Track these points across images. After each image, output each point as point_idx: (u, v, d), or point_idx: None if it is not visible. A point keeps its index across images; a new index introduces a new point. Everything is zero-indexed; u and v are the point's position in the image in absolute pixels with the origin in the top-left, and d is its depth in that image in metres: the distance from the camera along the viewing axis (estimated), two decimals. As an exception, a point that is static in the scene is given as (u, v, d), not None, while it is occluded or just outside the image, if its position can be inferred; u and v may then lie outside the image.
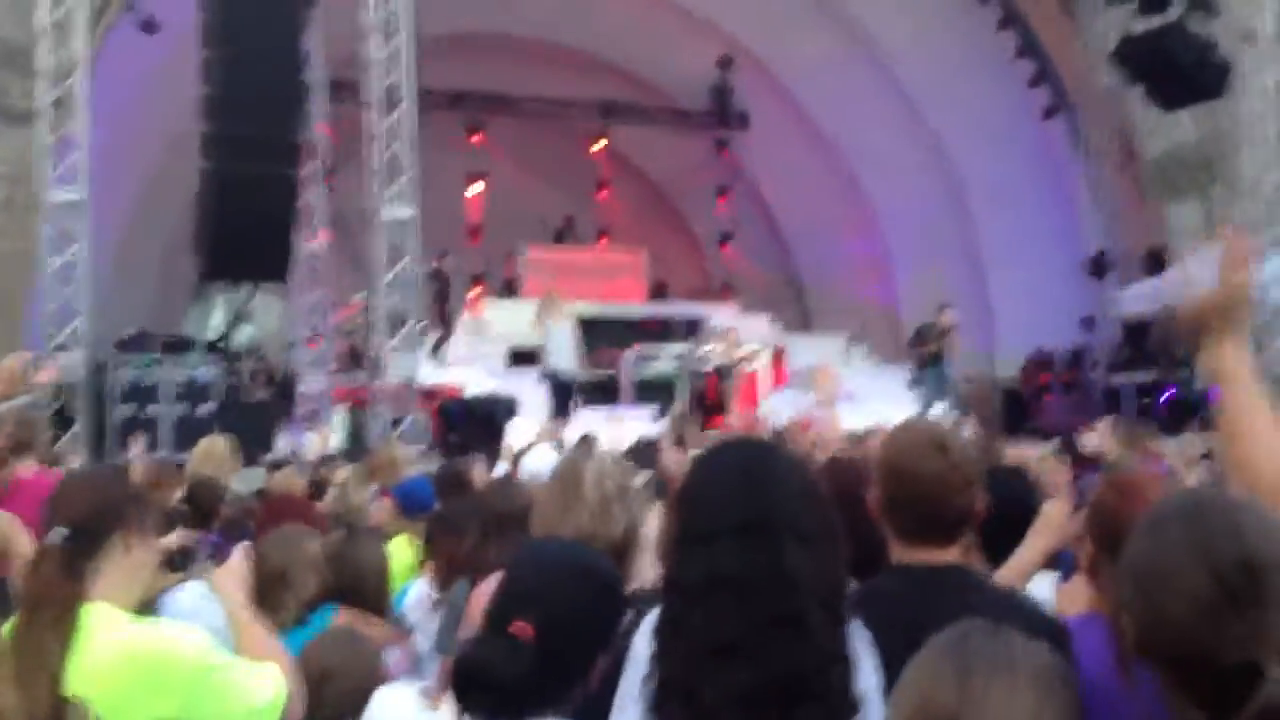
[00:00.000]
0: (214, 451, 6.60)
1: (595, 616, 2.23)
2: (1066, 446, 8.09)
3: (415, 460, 9.23)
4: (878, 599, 2.49)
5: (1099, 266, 19.41)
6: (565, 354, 14.22)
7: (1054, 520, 3.23)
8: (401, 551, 5.04)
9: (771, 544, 2.22)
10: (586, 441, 8.34)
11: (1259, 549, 1.60)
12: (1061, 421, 16.60)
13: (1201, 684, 1.57)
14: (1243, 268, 2.24)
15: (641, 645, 2.31)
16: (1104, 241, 19.47)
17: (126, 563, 2.62)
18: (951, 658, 1.63)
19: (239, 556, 2.94)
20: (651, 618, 2.33)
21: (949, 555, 2.66)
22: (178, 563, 4.10)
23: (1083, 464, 5.93)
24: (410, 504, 5.81)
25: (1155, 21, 17.19)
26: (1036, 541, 3.21)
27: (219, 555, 4.49)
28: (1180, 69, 17.13)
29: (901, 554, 2.68)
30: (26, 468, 5.94)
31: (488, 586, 2.92)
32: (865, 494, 2.98)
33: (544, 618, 2.11)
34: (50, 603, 2.49)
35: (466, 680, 2.11)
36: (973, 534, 2.80)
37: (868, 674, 2.24)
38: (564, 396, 14.07)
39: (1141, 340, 18.92)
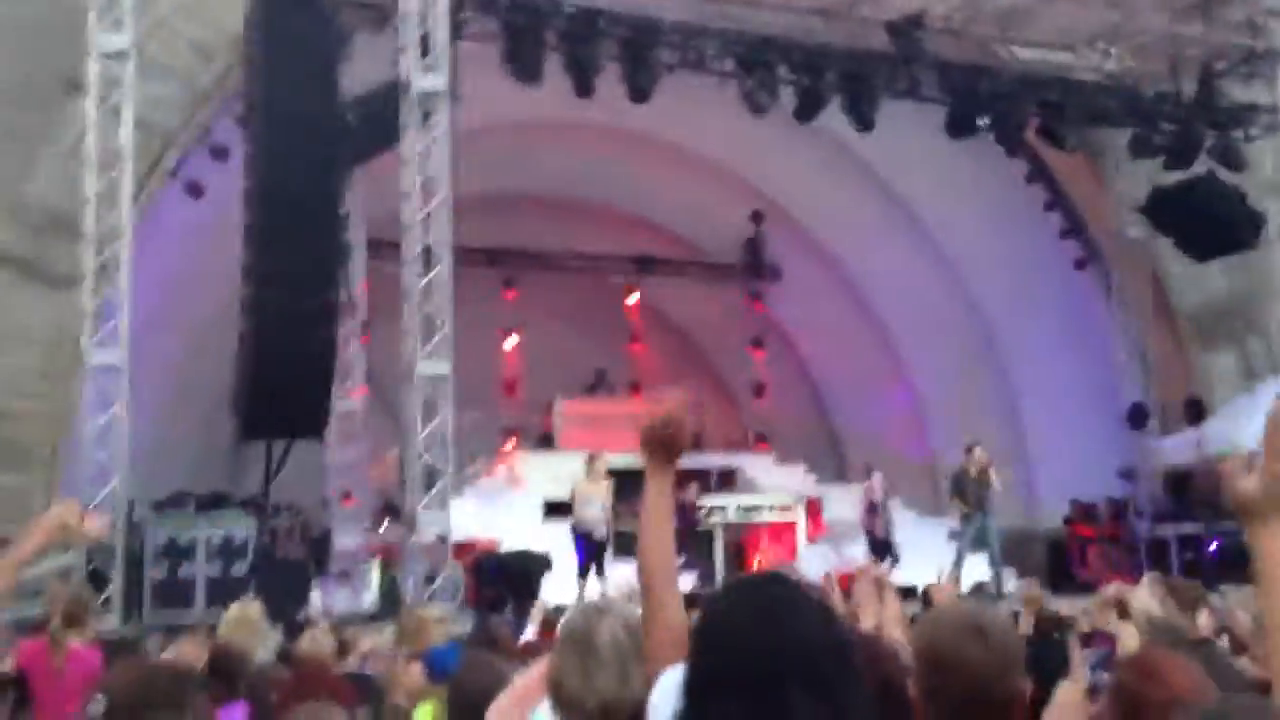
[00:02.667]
0: (245, 618, 6.55)
1: None
2: (1118, 605, 7.89)
3: (447, 620, 9.14)
4: None
5: (1138, 417, 19.23)
6: (594, 513, 14.12)
7: (1068, 703, 3.10)
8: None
9: (782, 697, 2.06)
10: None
11: None
12: (1106, 574, 16.28)
13: None
14: None
15: None
16: (1139, 392, 19.31)
17: None
18: None
19: None
20: None
21: None
22: None
23: (1093, 641, 5.78)
24: (440, 670, 5.74)
25: (1181, 175, 17.37)
26: None
27: None
28: (1212, 220, 17.21)
29: None
30: (80, 641, 5.99)
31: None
32: (899, 677, 2.89)
33: None
34: None
35: None
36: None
37: None
38: (592, 553, 13.95)
39: (1184, 491, 18.64)
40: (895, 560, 15.38)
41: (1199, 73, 17.27)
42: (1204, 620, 6.86)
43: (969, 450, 15.15)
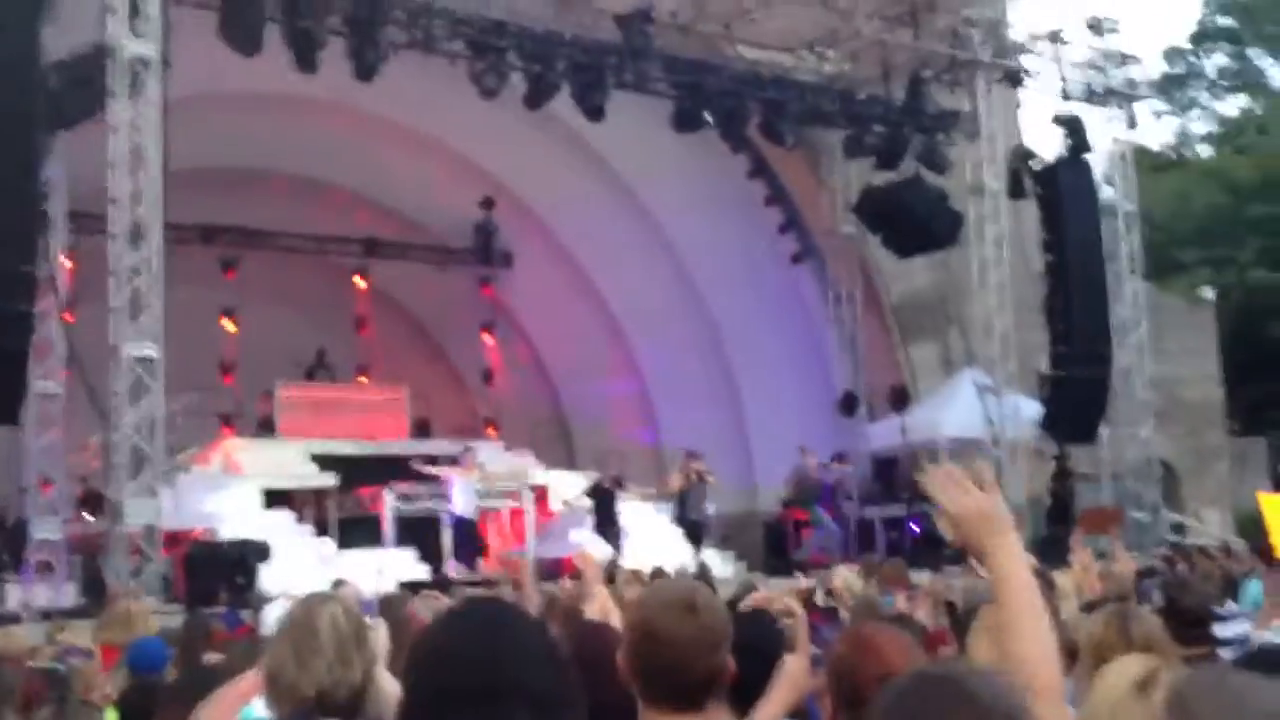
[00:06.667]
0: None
1: None
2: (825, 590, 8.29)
3: (153, 613, 8.73)
4: None
5: (848, 404, 20.23)
6: None
7: (794, 674, 3.17)
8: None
9: (503, 713, 2.08)
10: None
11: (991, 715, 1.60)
12: (816, 555, 17.14)
13: None
14: (966, 491, 2.36)
15: None
16: (850, 380, 20.33)
17: None
18: None
19: None
20: None
21: None
22: None
23: (821, 614, 6.08)
24: (142, 666, 5.51)
25: (892, 175, 18.40)
26: (777, 696, 3.13)
27: None
28: (916, 219, 18.33)
29: None
30: None
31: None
32: (612, 658, 2.91)
33: None
34: None
35: None
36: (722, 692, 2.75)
37: None
38: None
39: (889, 474, 19.79)
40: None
41: (908, 79, 18.27)
42: (902, 601, 7.34)
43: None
